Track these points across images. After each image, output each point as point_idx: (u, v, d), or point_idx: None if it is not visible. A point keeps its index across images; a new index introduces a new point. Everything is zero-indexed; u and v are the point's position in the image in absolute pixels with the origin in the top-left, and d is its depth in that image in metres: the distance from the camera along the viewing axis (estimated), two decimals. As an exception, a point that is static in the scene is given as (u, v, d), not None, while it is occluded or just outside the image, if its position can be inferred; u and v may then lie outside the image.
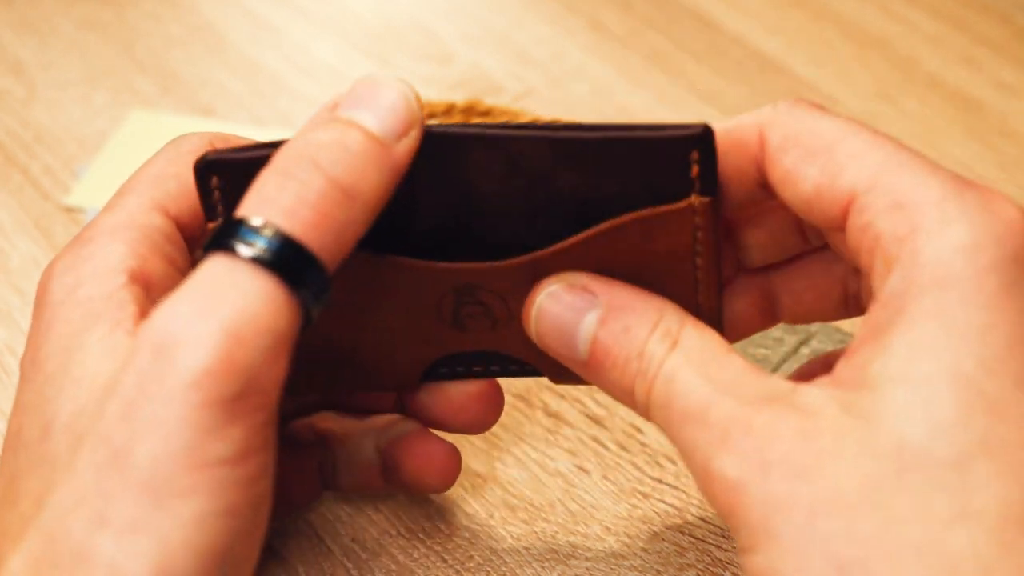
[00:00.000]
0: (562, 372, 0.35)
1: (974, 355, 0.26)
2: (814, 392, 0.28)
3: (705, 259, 0.33)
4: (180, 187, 0.34)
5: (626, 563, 0.40)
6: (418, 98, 0.32)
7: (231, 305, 0.28)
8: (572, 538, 0.41)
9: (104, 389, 0.29)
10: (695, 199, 0.32)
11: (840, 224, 0.29)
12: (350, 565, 0.40)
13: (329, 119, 0.31)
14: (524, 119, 0.52)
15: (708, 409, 0.28)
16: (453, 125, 0.34)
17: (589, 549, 0.40)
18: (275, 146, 0.32)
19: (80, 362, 0.30)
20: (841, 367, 0.29)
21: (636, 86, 0.61)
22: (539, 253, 0.34)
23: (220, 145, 0.35)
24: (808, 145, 0.29)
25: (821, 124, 0.30)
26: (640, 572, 0.39)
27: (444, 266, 0.34)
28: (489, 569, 0.40)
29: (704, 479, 0.29)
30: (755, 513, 0.27)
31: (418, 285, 0.35)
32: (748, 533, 0.27)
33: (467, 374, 0.37)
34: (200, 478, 0.27)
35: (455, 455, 0.38)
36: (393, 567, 0.40)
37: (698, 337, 0.31)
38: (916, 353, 0.26)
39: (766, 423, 0.28)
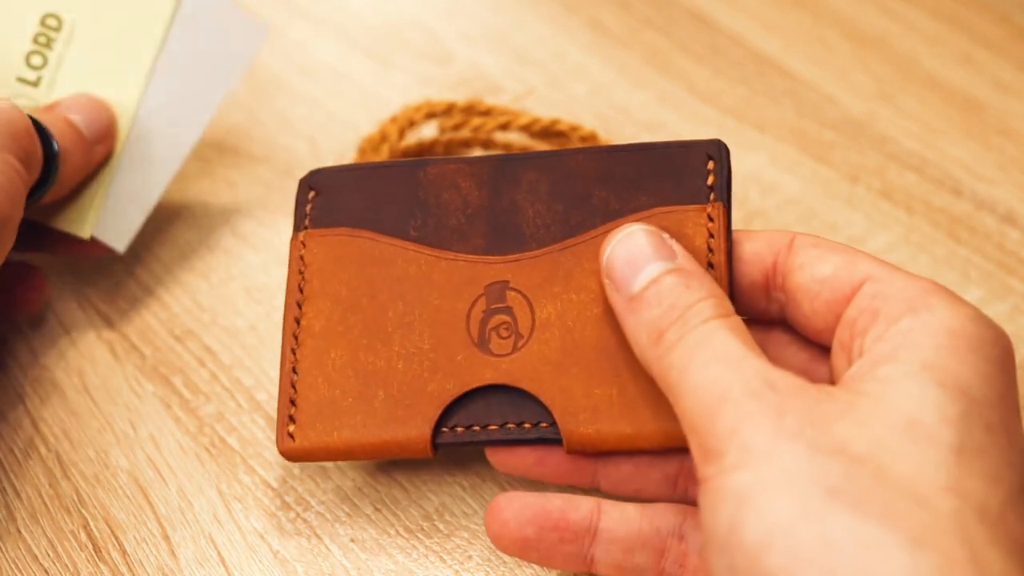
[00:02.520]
0: (578, 437, 0.37)
1: (975, 385, 0.32)
2: (827, 385, 0.33)
3: (718, 264, 0.37)
4: None
5: (624, 563, 0.40)
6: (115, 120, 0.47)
7: None
8: (570, 538, 0.41)
9: None
10: (708, 205, 0.37)
11: (844, 299, 0.35)
12: (349, 565, 0.40)
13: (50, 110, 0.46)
14: (524, 119, 0.52)
15: (744, 359, 0.32)
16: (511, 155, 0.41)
17: (587, 549, 0.40)
18: (371, 167, 0.42)
19: None
20: (842, 381, 0.33)
21: (635, 86, 0.61)
22: (568, 241, 0.38)
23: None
24: (833, 247, 0.37)
25: (845, 246, 0.37)
26: (638, 572, 0.40)
27: (481, 258, 0.39)
28: (488, 569, 0.40)
29: (712, 405, 0.32)
30: (759, 437, 0.30)
31: (458, 279, 0.39)
32: (741, 453, 0.30)
33: (483, 437, 0.37)
34: None
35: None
36: (392, 567, 0.40)
37: (741, 324, 0.34)
38: (927, 365, 0.32)
39: (790, 384, 0.32)
